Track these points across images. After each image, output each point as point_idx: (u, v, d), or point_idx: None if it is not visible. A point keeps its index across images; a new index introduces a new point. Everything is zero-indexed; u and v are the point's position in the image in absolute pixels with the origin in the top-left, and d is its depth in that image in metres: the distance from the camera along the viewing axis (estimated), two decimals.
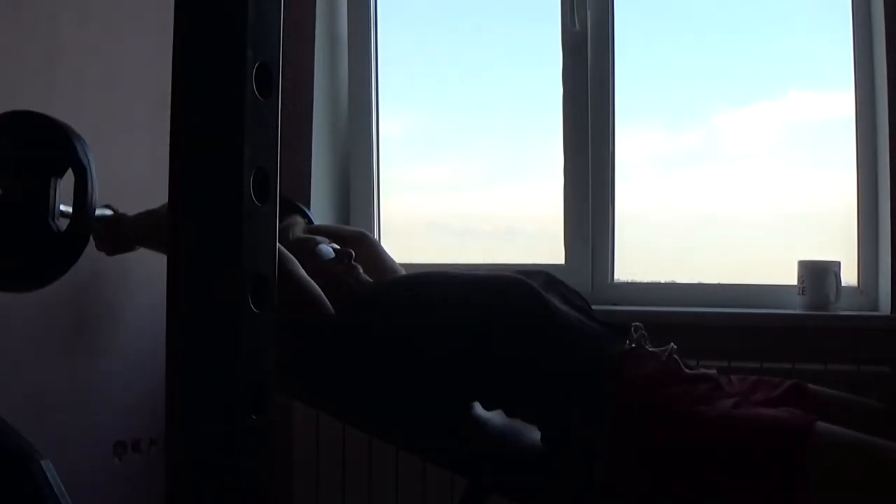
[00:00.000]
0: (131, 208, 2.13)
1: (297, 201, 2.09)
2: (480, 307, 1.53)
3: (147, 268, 1.99)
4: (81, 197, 1.45)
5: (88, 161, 1.47)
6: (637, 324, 1.58)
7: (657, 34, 2.63)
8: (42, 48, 1.89)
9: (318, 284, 1.62)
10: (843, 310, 2.27)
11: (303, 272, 1.61)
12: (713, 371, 1.52)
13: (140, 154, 2.09)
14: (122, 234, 1.70)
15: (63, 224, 1.49)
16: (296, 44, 2.52)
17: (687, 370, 1.50)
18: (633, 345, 1.53)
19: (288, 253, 1.63)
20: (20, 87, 1.86)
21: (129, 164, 2.12)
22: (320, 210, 2.57)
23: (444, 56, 2.86)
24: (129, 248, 1.74)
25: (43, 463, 1.00)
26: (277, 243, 0.65)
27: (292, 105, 2.51)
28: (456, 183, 2.84)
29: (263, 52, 0.63)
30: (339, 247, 1.79)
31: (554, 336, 1.50)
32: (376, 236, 2.63)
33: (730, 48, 2.57)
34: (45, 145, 1.47)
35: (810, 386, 1.49)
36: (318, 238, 1.79)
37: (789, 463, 1.29)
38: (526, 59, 2.74)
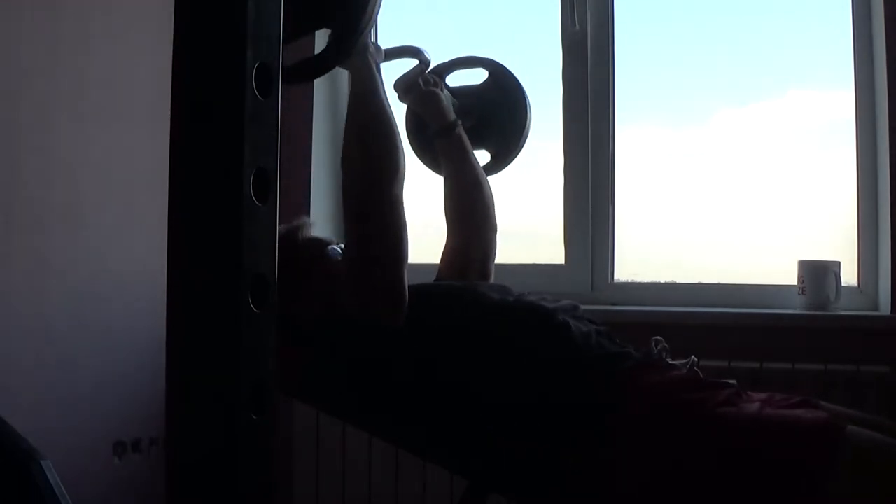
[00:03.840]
0: (131, 208, 2.13)
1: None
2: (501, 338, 1.52)
3: (147, 267, 1.99)
4: None
5: None
6: (657, 338, 1.56)
7: (657, 33, 2.63)
8: (42, 48, 1.89)
9: (326, 286, 1.61)
10: (843, 310, 2.27)
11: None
12: (733, 381, 1.51)
13: (140, 154, 2.09)
14: None
15: None
16: (296, 44, 2.51)
17: (707, 380, 1.49)
18: (654, 358, 1.52)
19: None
20: (21, 87, 1.86)
21: (130, 163, 2.12)
22: (320, 209, 2.57)
23: (444, 56, 2.85)
24: None
25: (43, 463, 1.00)
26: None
27: (292, 105, 2.50)
28: None
29: (263, 52, 0.63)
30: None
31: (571, 349, 1.49)
32: None
33: (730, 48, 2.57)
34: None
35: (822, 403, 1.47)
36: (328, 239, 1.80)
37: (821, 463, 1.26)
38: (526, 59, 2.74)
